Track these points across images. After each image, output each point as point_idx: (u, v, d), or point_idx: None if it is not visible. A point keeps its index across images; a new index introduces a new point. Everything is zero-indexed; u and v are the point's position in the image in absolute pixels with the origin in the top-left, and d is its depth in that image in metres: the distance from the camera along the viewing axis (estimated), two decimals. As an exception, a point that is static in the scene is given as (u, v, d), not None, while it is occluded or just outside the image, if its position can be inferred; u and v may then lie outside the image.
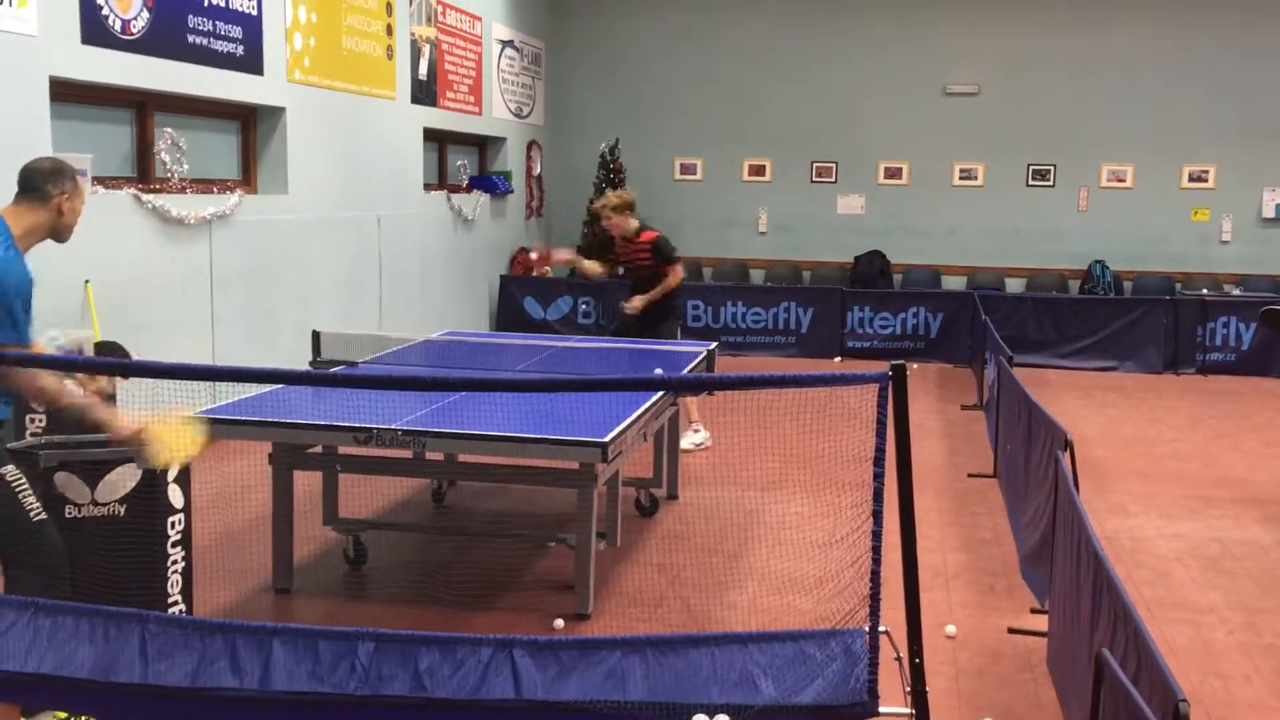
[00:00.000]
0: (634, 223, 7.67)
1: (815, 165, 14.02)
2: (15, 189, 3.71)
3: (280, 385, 5.12)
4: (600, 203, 7.76)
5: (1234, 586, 5.27)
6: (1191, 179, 13.34)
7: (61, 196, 3.70)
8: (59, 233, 3.78)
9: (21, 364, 3.53)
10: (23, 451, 3.92)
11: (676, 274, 7.65)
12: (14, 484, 3.55)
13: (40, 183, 3.69)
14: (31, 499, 3.59)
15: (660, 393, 5.09)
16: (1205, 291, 12.60)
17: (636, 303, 7.60)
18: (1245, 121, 13.05)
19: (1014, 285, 13.60)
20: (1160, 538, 6.00)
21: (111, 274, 6.65)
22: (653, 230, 7.75)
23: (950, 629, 4.63)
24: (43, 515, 3.62)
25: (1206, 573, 5.45)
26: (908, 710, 2.79)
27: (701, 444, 7.73)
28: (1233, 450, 8.12)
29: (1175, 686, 2.19)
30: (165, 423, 3.67)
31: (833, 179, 14.04)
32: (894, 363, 2.66)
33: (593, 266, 7.89)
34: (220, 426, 4.69)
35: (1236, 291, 12.84)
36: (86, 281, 6.43)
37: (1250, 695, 4.15)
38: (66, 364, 4.05)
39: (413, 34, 10.43)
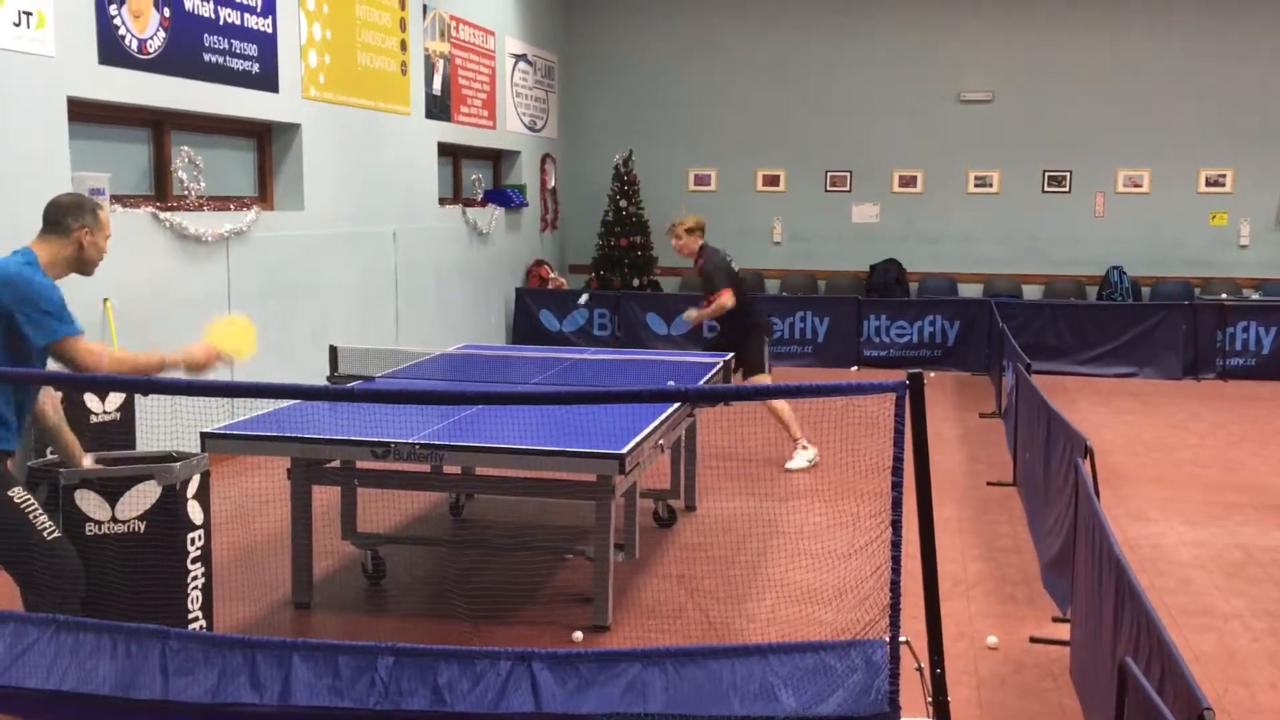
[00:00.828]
0: (697, 244, 7.67)
1: (829, 174, 14.01)
2: (37, 213, 3.77)
3: (298, 400, 5.14)
4: (671, 224, 7.76)
5: (1258, 593, 5.22)
6: (1208, 183, 13.27)
7: (81, 231, 3.76)
8: (83, 266, 3.85)
9: (28, 380, 3.58)
10: (42, 470, 3.95)
11: (721, 300, 7.47)
12: (23, 505, 3.57)
13: (60, 217, 3.76)
14: (43, 519, 3.61)
15: (677, 404, 5.08)
16: (1224, 296, 12.53)
17: (691, 313, 7.74)
18: (1262, 124, 12.98)
19: (1031, 292, 13.54)
20: (1182, 544, 5.95)
21: (130, 291, 6.69)
22: (706, 252, 7.63)
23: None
24: (57, 534, 3.64)
25: (1229, 579, 5.41)
26: (930, 721, 2.78)
27: (812, 461, 7.55)
28: (1254, 456, 8.06)
29: (1200, 695, 2.17)
30: (222, 328, 4.06)
31: (847, 188, 14.02)
32: (911, 371, 2.65)
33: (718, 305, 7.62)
34: (239, 442, 4.72)
35: (1256, 296, 12.76)
36: (106, 299, 6.47)
37: (1276, 702, 4.11)
38: (92, 383, 4.08)
39: (426, 49, 10.48)
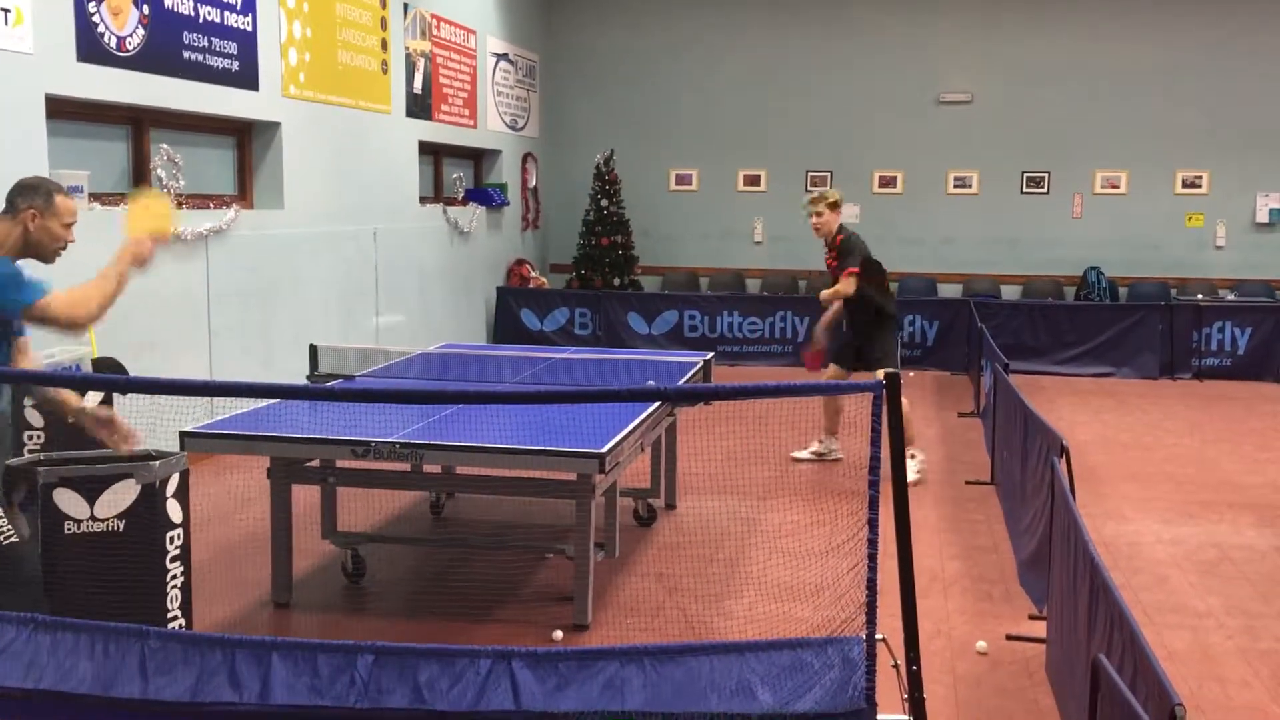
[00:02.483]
0: (836, 224, 7.35)
1: (810, 175, 14.05)
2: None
3: (278, 400, 5.13)
4: (814, 195, 7.36)
5: (1232, 591, 5.28)
6: (1185, 185, 13.38)
7: (28, 212, 3.69)
8: (35, 250, 3.76)
9: (7, 379, 3.55)
10: (21, 469, 3.93)
11: (846, 284, 7.14)
12: None
13: (12, 196, 3.73)
14: (2, 521, 3.58)
15: (656, 403, 5.10)
16: (1200, 297, 12.64)
17: (825, 293, 7.28)
18: (1238, 127, 13.09)
19: (1009, 292, 13.62)
20: (1158, 543, 6.01)
21: (108, 290, 6.65)
22: (846, 231, 7.36)
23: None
24: (14, 538, 3.60)
25: (1204, 577, 5.47)
26: (906, 718, 2.80)
27: (829, 451, 7.55)
28: (1230, 455, 8.14)
29: (1172, 691, 2.20)
30: (138, 215, 3.97)
31: (827, 188, 14.05)
32: (888, 371, 2.67)
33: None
34: (218, 441, 4.71)
35: (1231, 296, 12.87)
36: (83, 298, 6.44)
37: (1249, 699, 4.16)
38: (68, 380, 4.06)
39: (407, 48, 10.46)
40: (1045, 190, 13.64)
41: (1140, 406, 10.00)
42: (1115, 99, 13.28)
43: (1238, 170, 13.18)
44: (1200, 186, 13.34)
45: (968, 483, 7.23)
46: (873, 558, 2.71)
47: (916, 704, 2.78)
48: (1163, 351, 11.51)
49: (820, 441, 7.67)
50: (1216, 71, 13.05)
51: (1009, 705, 4.09)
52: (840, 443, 7.68)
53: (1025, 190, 13.69)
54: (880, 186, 13.96)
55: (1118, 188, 13.52)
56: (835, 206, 7.34)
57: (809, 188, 14.06)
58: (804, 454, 7.68)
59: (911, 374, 11.38)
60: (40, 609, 3.55)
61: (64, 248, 3.83)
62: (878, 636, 2.68)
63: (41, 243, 3.76)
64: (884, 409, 2.69)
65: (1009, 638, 4.65)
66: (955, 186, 13.83)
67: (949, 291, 13.64)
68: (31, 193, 3.71)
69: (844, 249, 7.26)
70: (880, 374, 7.97)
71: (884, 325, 7.33)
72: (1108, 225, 13.50)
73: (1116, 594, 2.80)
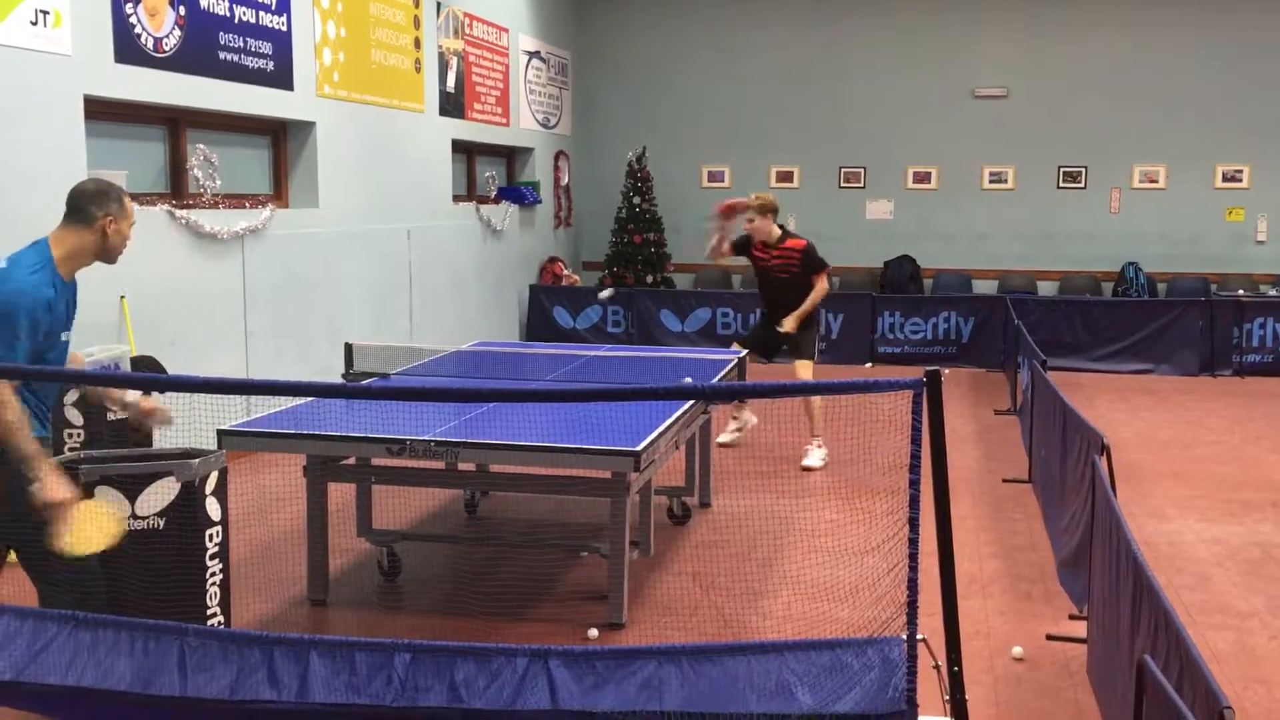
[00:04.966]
0: (777, 229, 7.60)
1: (843, 170, 13.98)
2: (56, 213, 3.74)
3: (314, 398, 5.15)
4: (750, 199, 7.61)
5: (1276, 591, 5.19)
6: (1225, 179, 13.20)
7: (106, 219, 3.67)
8: (106, 255, 3.76)
9: (47, 379, 3.57)
10: (62, 466, 3.96)
11: (824, 284, 7.60)
12: None
13: (85, 204, 3.68)
14: None
15: (691, 401, 5.08)
16: (1241, 292, 12.45)
17: (790, 324, 7.48)
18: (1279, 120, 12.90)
19: (1046, 288, 13.49)
20: (1200, 542, 5.93)
21: (146, 289, 6.71)
22: (800, 238, 7.68)
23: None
24: None
25: (1248, 577, 5.38)
26: (947, 719, 2.77)
27: (824, 459, 7.54)
28: (1273, 452, 8.02)
29: (1220, 693, 2.16)
30: (87, 509, 3.49)
31: (861, 184, 13.99)
32: (929, 369, 2.64)
33: (725, 249, 7.74)
34: (256, 439, 4.73)
35: (1273, 292, 12.68)
36: (122, 297, 6.50)
37: (1295, 701, 4.09)
38: (110, 379, 4.09)
39: (440, 47, 10.49)
40: (1082, 185, 13.49)
41: (1181, 404, 9.87)
42: (1153, 92, 13.12)
43: (1279, 164, 12.98)
44: (1241, 180, 13.15)
45: (1005, 481, 7.16)
46: (914, 557, 2.68)
47: (958, 705, 2.74)
48: (1203, 348, 11.36)
49: (734, 418, 7.96)
50: (1257, 64, 12.86)
51: (1049, 706, 4.04)
52: (751, 411, 8.04)
53: (1062, 185, 13.55)
54: (915, 182, 13.86)
55: (1156, 182, 13.35)
56: (764, 211, 7.55)
57: (842, 184, 14.00)
58: (726, 438, 7.90)
59: (947, 371, 11.29)
60: (98, 601, 3.59)
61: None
62: (919, 637, 2.65)
63: (115, 248, 3.77)
64: (924, 407, 2.65)
65: (1049, 638, 4.60)
66: (991, 182, 13.71)
67: (984, 288, 13.52)
68: (105, 199, 3.69)
69: (809, 252, 7.58)
70: (802, 367, 8.00)
71: (814, 320, 7.72)
72: (1146, 220, 13.34)
73: (1161, 595, 2.75)
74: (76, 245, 3.68)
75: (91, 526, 3.48)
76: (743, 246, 7.74)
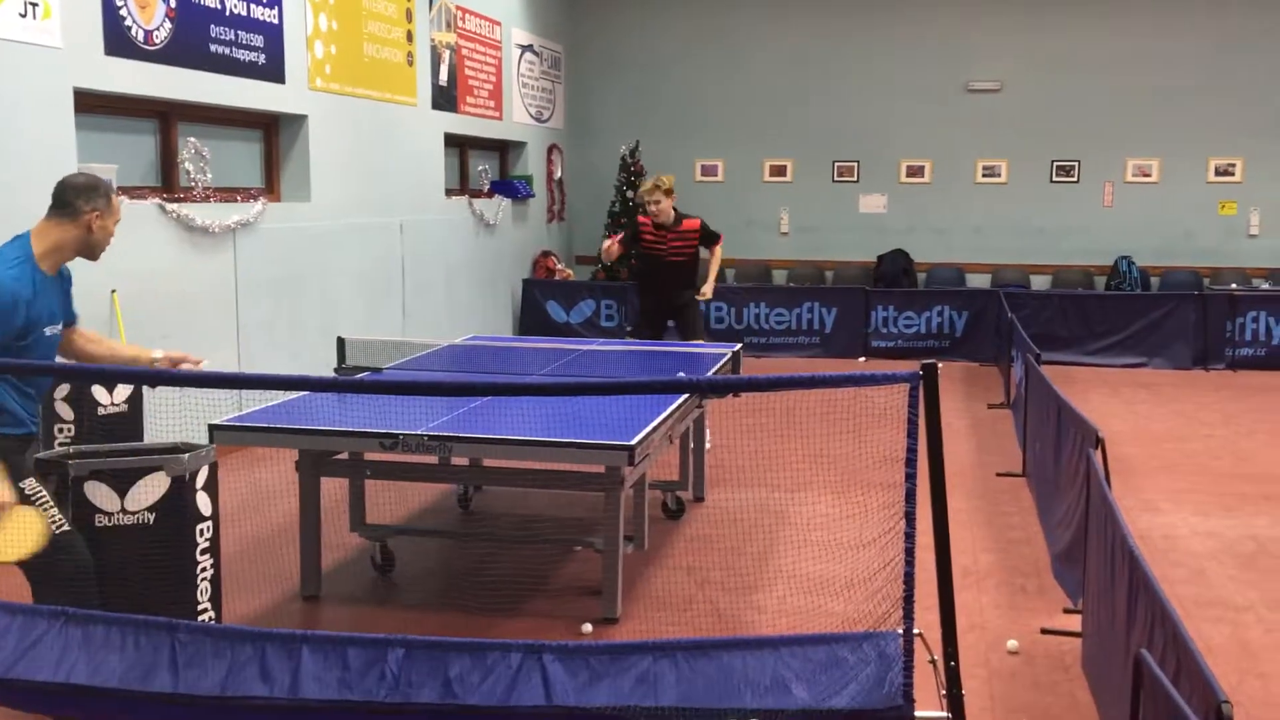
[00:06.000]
0: (672, 208, 7.71)
1: (837, 165, 13.96)
2: (44, 206, 3.69)
3: (306, 392, 5.12)
4: (650, 184, 7.67)
5: (1271, 584, 5.19)
6: (1218, 172, 13.20)
7: (92, 214, 3.63)
8: (89, 250, 3.71)
9: (34, 373, 3.54)
10: (52, 461, 3.94)
11: (719, 251, 8.02)
12: (34, 497, 3.54)
13: (72, 198, 3.62)
14: (54, 511, 3.58)
15: (685, 395, 5.06)
16: (1234, 286, 12.46)
17: (709, 290, 7.88)
18: (1272, 113, 12.90)
19: (1039, 282, 13.49)
20: (1194, 535, 5.93)
21: (137, 283, 6.68)
22: (693, 217, 7.89)
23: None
24: (66, 527, 3.61)
25: (1243, 570, 5.38)
26: (943, 714, 2.76)
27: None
28: (1266, 446, 8.03)
29: (1217, 687, 2.15)
30: (18, 515, 3.41)
31: (854, 178, 13.98)
32: (925, 362, 2.62)
33: (617, 250, 7.88)
34: (247, 434, 4.71)
35: (1265, 286, 12.70)
36: (113, 291, 6.47)
37: (1290, 695, 4.08)
38: (100, 374, 4.06)
39: (433, 40, 10.45)
40: (1075, 179, 13.49)
41: (1174, 397, 9.88)
42: (1146, 86, 13.12)
43: (1272, 157, 12.99)
44: (1233, 174, 13.16)
45: (999, 475, 7.15)
46: (910, 552, 2.67)
47: (955, 700, 2.73)
48: (1196, 342, 11.37)
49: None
50: (1249, 57, 12.86)
51: (1045, 700, 4.03)
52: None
53: (1055, 179, 13.55)
54: (908, 176, 13.86)
55: (1149, 176, 13.35)
56: (670, 193, 7.71)
57: (836, 178, 13.98)
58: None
59: (941, 365, 11.27)
60: (93, 597, 3.56)
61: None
62: (915, 631, 2.64)
63: (99, 244, 3.72)
64: (921, 400, 2.64)
65: (1044, 631, 4.59)
66: (984, 175, 13.70)
67: (978, 281, 13.53)
68: (92, 193, 3.63)
69: (706, 228, 7.86)
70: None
71: (692, 298, 7.92)
72: (1139, 214, 13.35)
73: (1158, 588, 2.74)
74: (60, 239, 3.63)
75: (16, 534, 3.39)
76: (631, 241, 7.93)
